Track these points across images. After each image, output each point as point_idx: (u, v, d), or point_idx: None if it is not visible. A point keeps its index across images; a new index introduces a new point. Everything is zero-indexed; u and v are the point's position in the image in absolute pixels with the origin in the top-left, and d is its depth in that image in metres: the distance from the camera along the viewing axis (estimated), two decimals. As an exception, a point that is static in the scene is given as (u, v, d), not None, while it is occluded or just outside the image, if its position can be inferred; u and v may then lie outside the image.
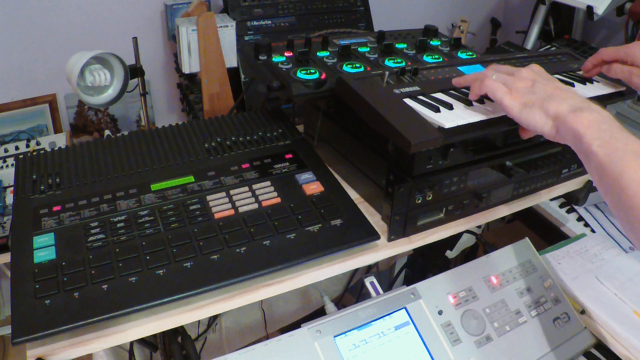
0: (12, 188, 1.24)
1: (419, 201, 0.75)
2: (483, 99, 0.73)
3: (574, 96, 0.64)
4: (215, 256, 0.68)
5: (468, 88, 0.74)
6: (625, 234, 0.57)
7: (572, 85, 0.82)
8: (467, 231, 1.06)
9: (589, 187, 0.99)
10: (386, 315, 0.77)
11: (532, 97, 0.65)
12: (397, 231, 0.77)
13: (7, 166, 1.44)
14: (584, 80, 0.85)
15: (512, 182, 0.85)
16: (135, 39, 1.15)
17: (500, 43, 2.00)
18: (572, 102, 0.62)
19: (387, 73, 0.79)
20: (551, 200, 1.24)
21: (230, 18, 1.31)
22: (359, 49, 0.95)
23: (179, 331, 0.83)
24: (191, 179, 0.81)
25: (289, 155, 0.87)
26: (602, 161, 0.56)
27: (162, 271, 0.65)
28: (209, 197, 0.77)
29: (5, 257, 1.33)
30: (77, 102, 1.68)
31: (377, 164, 0.79)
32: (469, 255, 1.27)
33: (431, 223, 0.80)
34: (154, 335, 0.86)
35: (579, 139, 0.59)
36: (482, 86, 0.69)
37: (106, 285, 0.63)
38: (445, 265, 1.18)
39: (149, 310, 0.62)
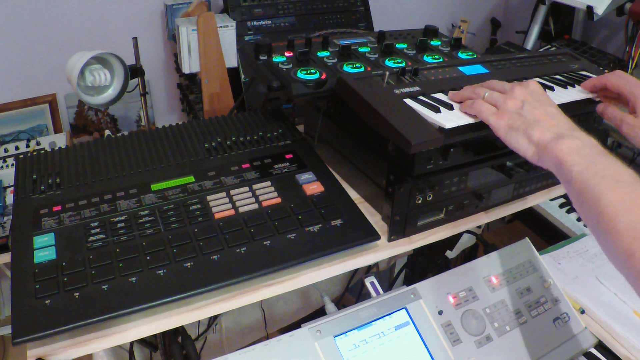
0: (12, 188, 1.25)
1: (419, 201, 0.75)
2: None
3: (561, 123, 0.63)
4: (216, 256, 0.68)
5: None
6: (607, 257, 0.57)
7: (573, 86, 0.82)
8: (467, 231, 1.06)
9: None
10: (386, 315, 0.77)
11: (518, 121, 0.65)
12: (397, 231, 0.77)
13: (7, 166, 1.44)
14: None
15: (512, 182, 0.85)
16: (135, 39, 1.15)
17: (500, 43, 2.00)
18: (556, 130, 0.62)
19: (387, 73, 0.79)
20: (551, 200, 1.24)
21: (230, 18, 1.31)
22: (359, 49, 0.95)
23: (179, 331, 0.83)
24: (191, 179, 0.81)
25: (289, 155, 0.87)
26: (581, 187, 0.56)
27: (162, 271, 0.65)
28: (209, 197, 0.77)
29: (5, 257, 1.34)
30: (77, 102, 1.68)
31: (377, 164, 0.79)
32: (469, 255, 1.27)
33: (431, 223, 0.80)
34: (154, 335, 0.86)
35: (559, 166, 0.59)
36: (471, 108, 0.69)
37: (106, 286, 0.63)
38: (445, 265, 1.17)
39: (149, 310, 0.62)
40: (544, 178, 0.90)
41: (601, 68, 0.88)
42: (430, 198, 0.76)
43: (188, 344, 0.81)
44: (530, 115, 0.65)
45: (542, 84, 0.80)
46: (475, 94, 0.71)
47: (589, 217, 0.56)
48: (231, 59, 1.21)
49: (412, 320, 0.77)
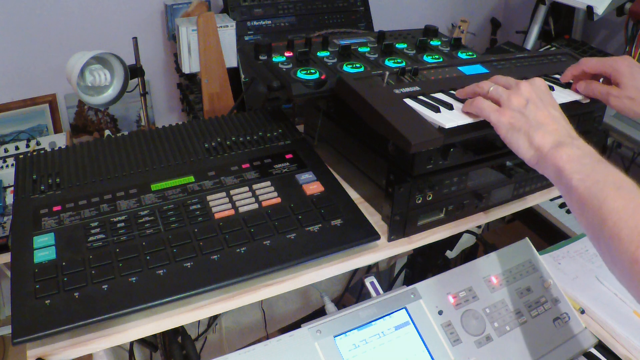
0: (12, 188, 1.24)
1: (419, 201, 0.75)
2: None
3: (562, 128, 0.63)
4: (216, 256, 0.68)
5: None
6: (607, 267, 0.57)
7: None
8: (467, 231, 1.06)
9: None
10: (386, 315, 0.77)
11: (521, 121, 0.64)
12: (397, 231, 0.77)
13: (7, 166, 1.44)
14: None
15: (512, 182, 0.85)
16: (135, 39, 1.15)
17: (500, 43, 2.00)
18: (557, 136, 0.62)
19: (387, 73, 0.79)
20: (551, 200, 1.25)
21: (230, 18, 1.31)
22: (359, 49, 0.95)
23: (179, 331, 0.83)
24: (191, 179, 0.81)
25: (289, 155, 0.87)
26: (582, 194, 0.56)
27: (162, 271, 0.65)
28: (209, 197, 0.77)
29: (5, 257, 1.33)
30: (77, 102, 1.68)
31: (377, 164, 0.79)
32: (469, 255, 1.27)
33: (431, 223, 0.80)
34: (154, 335, 0.86)
35: (559, 174, 0.59)
36: (471, 107, 0.69)
37: (106, 285, 0.63)
38: (445, 265, 1.18)
39: (149, 310, 0.62)
40: (544, 178, 0.89)
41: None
42: (430, 198, 0.76)
43: (188, 344, 0.81)
44: (533, 116, 0.64)
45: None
46: (480, 87, 0.70)
47: (591, 224, 0.56)
48: (231, 59, 1.21)
49: (412, 320, 0.77)
